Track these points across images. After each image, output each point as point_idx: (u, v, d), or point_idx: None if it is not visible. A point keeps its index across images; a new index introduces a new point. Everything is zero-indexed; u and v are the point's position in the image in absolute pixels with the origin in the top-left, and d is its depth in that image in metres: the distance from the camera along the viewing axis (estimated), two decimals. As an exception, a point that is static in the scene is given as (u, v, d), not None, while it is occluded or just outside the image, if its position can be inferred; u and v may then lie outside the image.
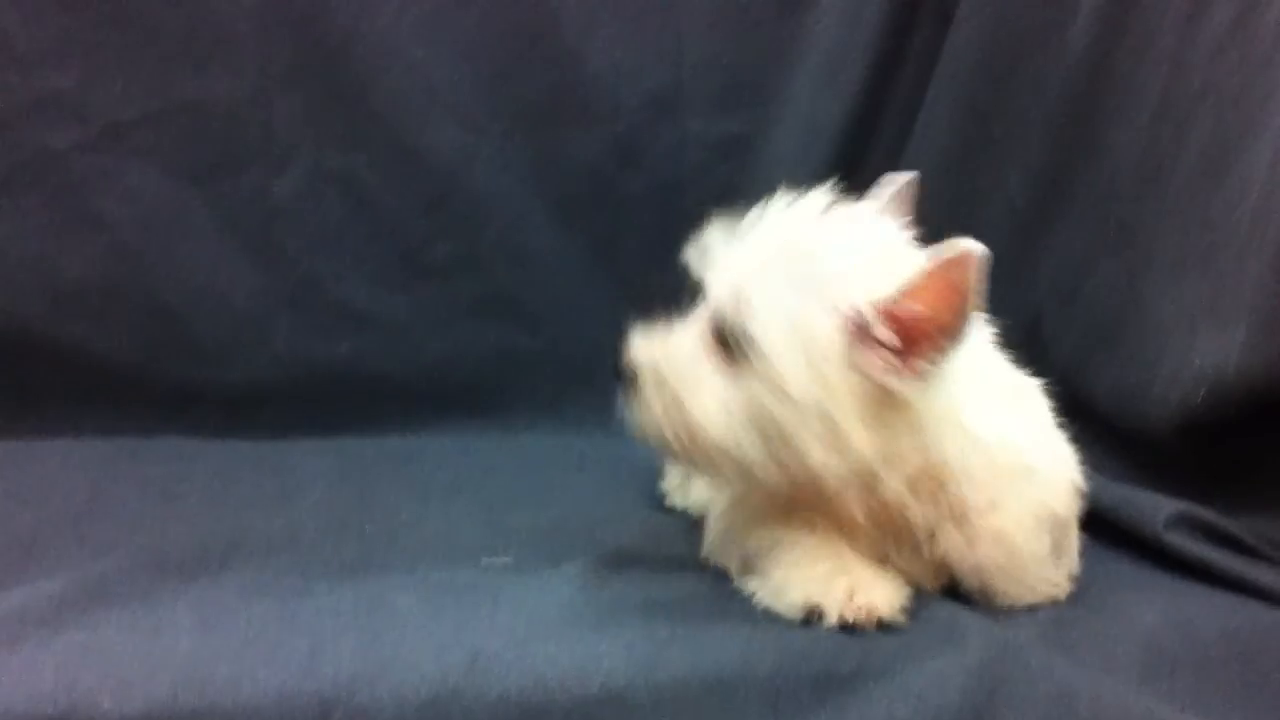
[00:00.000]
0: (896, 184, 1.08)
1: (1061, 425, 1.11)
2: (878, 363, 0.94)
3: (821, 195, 1.04)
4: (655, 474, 1.41)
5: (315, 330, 1.72)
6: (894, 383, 0.94)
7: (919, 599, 1.00)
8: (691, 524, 1.27)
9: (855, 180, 1.83)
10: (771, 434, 0.96)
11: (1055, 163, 1.53)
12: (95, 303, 1.68)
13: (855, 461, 0.96)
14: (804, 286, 0.96)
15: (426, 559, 1.11)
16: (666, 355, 1.04)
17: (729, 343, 0.99)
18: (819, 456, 0.95)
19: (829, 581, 0.97)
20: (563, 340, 1.79)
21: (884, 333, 0.93)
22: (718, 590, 1.05)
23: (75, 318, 1.67)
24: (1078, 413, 1.16)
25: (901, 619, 0.96)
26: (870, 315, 0.93)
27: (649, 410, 1.03)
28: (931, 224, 1.03)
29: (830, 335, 0.95)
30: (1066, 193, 1.52)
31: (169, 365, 1.69)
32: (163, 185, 1.69)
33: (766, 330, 0.96)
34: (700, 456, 1.01)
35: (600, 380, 1.76)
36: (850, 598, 0.96)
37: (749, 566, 1.05)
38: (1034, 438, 1.07)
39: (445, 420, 1.72)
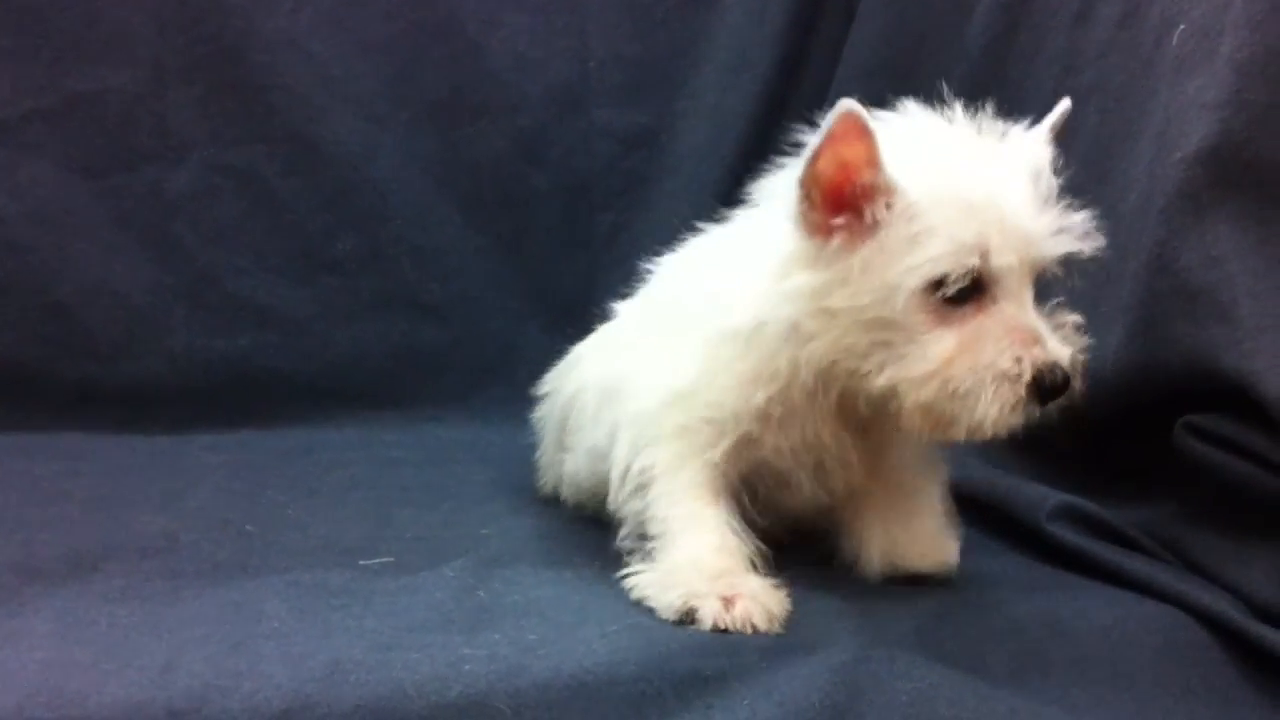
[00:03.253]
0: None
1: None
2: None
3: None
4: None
5: (214, 326, 1.71)
6: None
7: (800, 598, 1.01)
8: (581, 517, 1.28)
9: (764, 171, 1.85)
10: None
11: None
12: (-12, 300, 1.66)
13: None
14: None
15: (304, 560, 1.09)
16: None
17: None
18: None
19: (710, 585, 0.98)
20: (469, 334, 1.80)
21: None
22: (595, 588, 1.05)
23: (-33, 315, 1.65)
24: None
25: (777, 628, 0.96)
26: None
27: None
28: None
29: None
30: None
31: (65, 362, 1.67)
32: (55, 181, 1.67)
33: None
34: None
35: (507, 372, 1.79)
36: (728, 606, 0.96)
37: (641, 542, 1.06)
38: None
39: (349, 414, 1.72)
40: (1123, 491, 1.20)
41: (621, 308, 1.28)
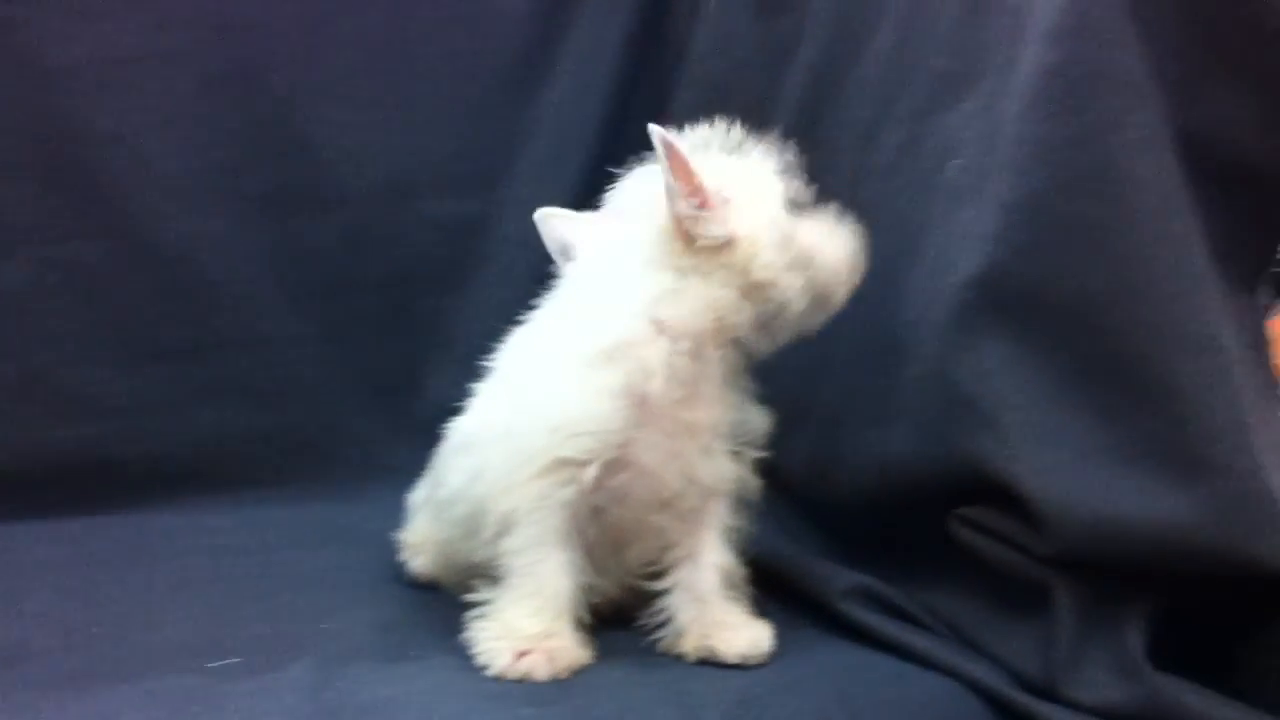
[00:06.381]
0: None
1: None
2: None
3: None
4: (392, 545, 1.47)
5: (42, 418, 1.72)
6: None
7: (610, 672, 1.15)
8: (422, 598, 1.37)
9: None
10: None
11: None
12: None
13: None
14: None
15: (155, 665, 1.13)
16: None
17: None
18: None
19: (510, 643, 1.14)
20: (297, 419, 1.85)
21: None
22: (437, 678, 1.13)
23: None
24: (778, 485, 1.33)
25: (562, 677, 1.13)
26: None
27: None
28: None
29: None
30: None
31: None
32: (-119, 275, 1.67)
33: None
34: None
35: (335, 455, 1.85)
36: (516, 660, 1.13)
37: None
38: None
39: (178, 501, 1.74)
40: (903, 572, 1.32)
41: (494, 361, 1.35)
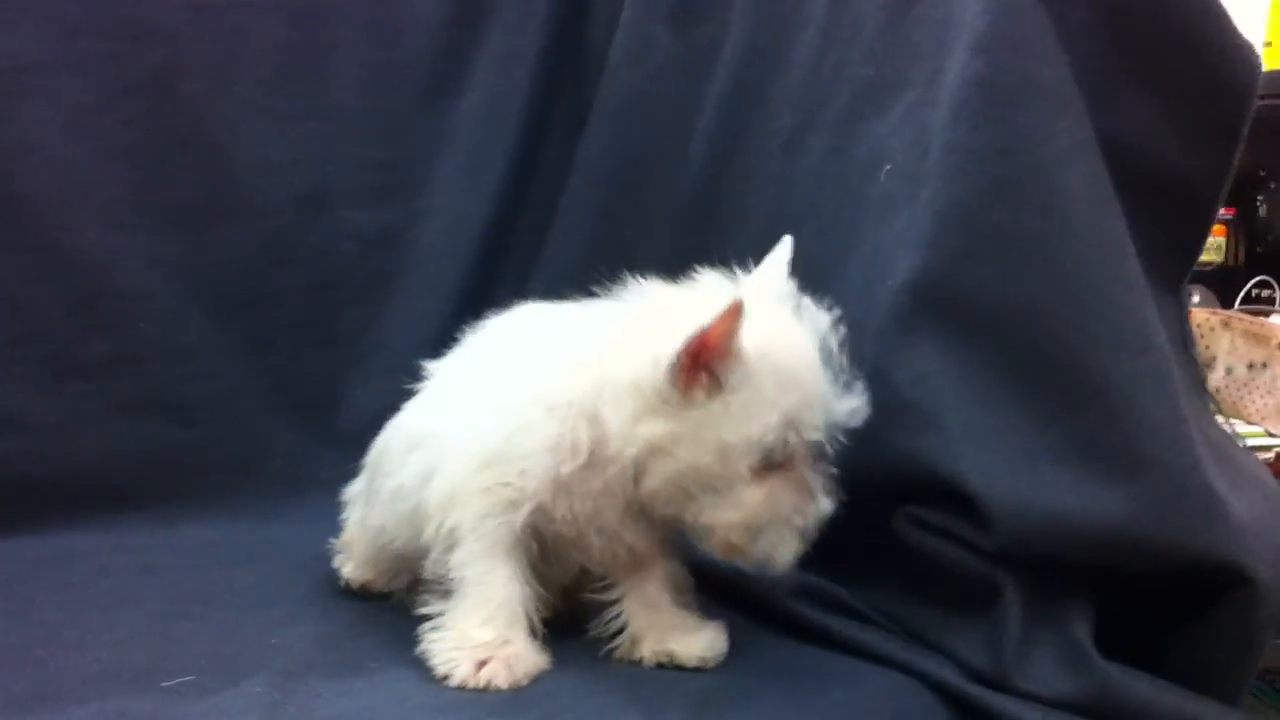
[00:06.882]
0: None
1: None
2: None
3: None
4: (324, 558, 1.47)
5: (-41, 436, 1.67)
6: None
7: (568, 679, 1.17)
8: (363, 610, 1.37)
9: (500, 269, 1.97)
10: None
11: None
12: None
13: None
14: None
15: (101, 687, 1.11)
16: None
17: None
18: None
19: (469, 653, 1.15)
20: (219, 433, 1.82)
21: None
22: (388, 691, 1.13)
23: None
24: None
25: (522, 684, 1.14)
26: None
27: None
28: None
29: None
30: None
31: None
32: None
33: None
34: None
35: (258, 469, 1.83)
36: (476, 670, 1.14)
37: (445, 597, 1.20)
38: None
39: (101, 518, 1.69)
40: (852, 571, 1.35)
41: (436, 366, 1.36)
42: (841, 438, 1.18)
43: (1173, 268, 1.31)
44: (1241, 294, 2.58)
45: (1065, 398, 1.17)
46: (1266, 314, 2.33)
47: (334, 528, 1.51)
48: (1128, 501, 1.13)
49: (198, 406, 1.81)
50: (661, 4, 1.77)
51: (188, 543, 1.67)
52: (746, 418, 1.11)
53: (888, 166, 1.33)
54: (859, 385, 1.17)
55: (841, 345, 1.17)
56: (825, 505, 1.18)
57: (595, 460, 1.17)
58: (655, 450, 1.13)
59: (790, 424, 1.13)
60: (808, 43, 1.53)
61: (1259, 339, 2.07)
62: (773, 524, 1.15)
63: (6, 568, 1.52)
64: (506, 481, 1.17)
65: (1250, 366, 2.07)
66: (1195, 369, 1.35)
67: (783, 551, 1.17)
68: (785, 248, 1.25)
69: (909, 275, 1.24)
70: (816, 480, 1.18)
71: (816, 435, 1.15)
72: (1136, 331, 1.16)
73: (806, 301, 1.20)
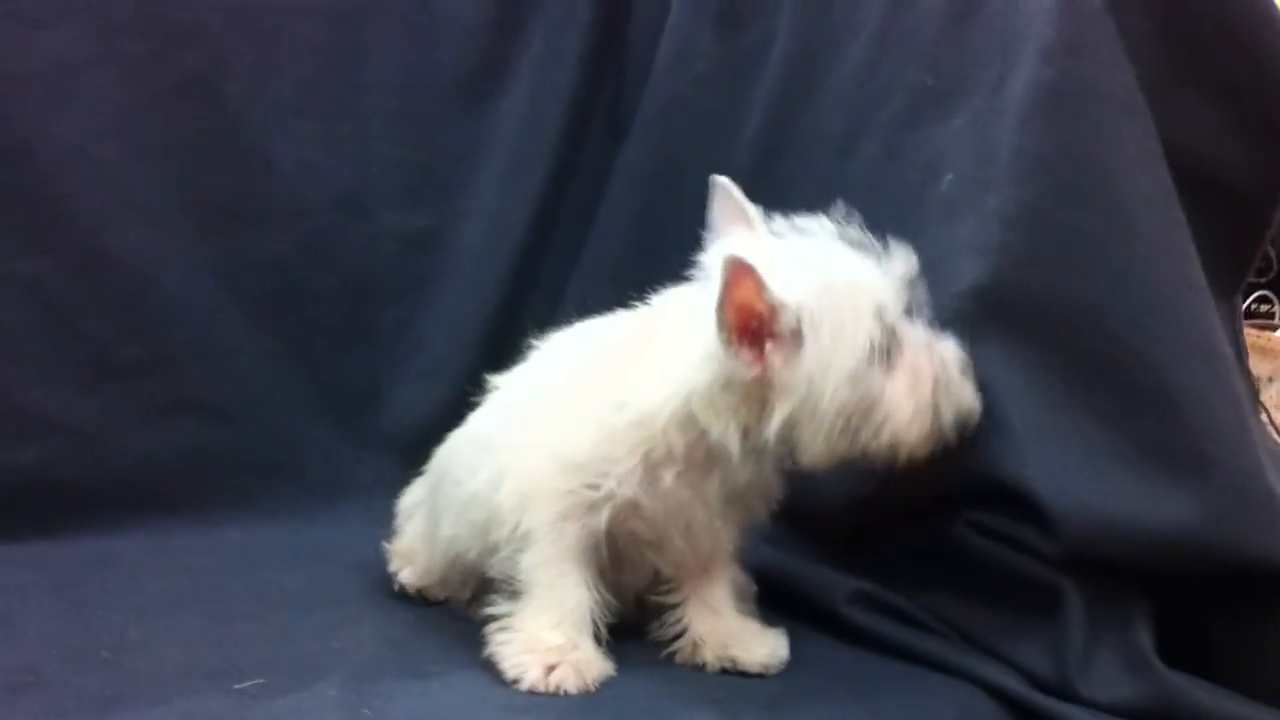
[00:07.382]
0: None
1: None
2: None
3: None
4: (372, 561, 1.47)
5: (2, 438, 1.66)
6: None
7: (635, 682, 1.17)
8: (418, 613, 1.37)
9: (539, 271, 1.96)
10: None
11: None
12: None
13: None
14: None
15: (175, 688, 1.11)
16: None
17: None
18: None
19: (539, 657, 1.15)
20: (258, 434, 1.81)
21: None
22: (462, 692, 1.13)
23: None
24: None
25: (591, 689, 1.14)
26: None
27: None
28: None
29: None
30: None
31: None
32: None
33: None
34: None
35: (297, 470, 1.82)
36: (547, 674, 1.14)
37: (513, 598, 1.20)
38: None
39: (140, 519, 1.68)
40: (912, 578, 1.35)
41: (502, 380, 1.35)
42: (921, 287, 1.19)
43: (1228, 274, 1.32)
44: (1241, 309, 2.58)
45: (1131, 400, 1.17)
46: (1272, 329, 2.33)
47: (375, 530, 1.51)
48: (1193, 505, 1.14)
49: (237, 408, 1.80)
50: (708, 9, 1.77)
51: (223, 544, 1.67)
52: (839, 337, 1.10)
53: (950, 175, 1.33)
54: (890, 244, 1.18)
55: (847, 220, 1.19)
56: (951, 345, 1.18)
57: (692, 464, 1.17)
58: (792, 426, 1.12)
59: (873, 313, 1.12)
60: (860, 48, 1.53)
61: (1266, 353, 2.09)
62: (935, 388, 1.15)
63: (53, 571, 1.51)
64: (593, 484, 1.17)
65: (1258, 380, 2.08)
66: (1249, 377, 1.36)
67: (964, 396, 1.17)
68: (723, 187, 1.24)
69: (976, 280, 1.24)
70: (928, 334, 1.18)
71: (900, 302, 1.15)
72: (1204, 337, 1.17)
73: (788, 221, 1.20)
